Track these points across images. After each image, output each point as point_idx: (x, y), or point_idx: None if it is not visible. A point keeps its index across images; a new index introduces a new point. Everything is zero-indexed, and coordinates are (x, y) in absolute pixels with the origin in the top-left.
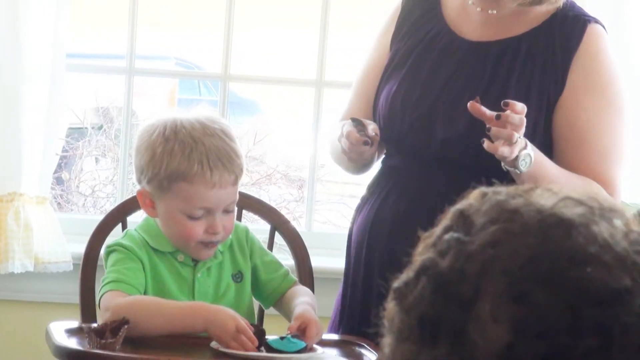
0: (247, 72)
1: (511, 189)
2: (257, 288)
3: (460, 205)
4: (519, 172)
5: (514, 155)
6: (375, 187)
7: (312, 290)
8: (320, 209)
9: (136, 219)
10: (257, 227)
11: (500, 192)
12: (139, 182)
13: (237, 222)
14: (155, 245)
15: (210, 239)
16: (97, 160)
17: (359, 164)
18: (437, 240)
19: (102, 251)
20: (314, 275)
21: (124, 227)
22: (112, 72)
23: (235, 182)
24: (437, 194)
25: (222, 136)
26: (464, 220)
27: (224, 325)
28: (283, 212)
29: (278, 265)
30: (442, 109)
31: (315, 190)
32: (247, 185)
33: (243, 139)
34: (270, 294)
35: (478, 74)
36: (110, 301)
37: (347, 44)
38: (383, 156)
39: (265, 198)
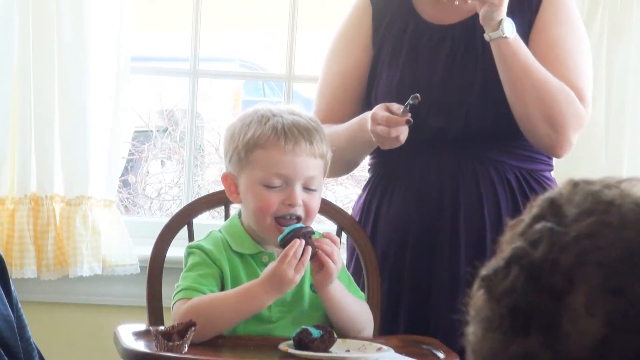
0: (311, 72)
1: (603, 179)
2: None
3: (550, 194)
4: (503, 36)
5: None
6: (392, 171)
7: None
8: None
9: (202, 221)
10: (324, 227)
11: (593, 182)
12: (226, 166)
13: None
14: (237, 247)
15: (288, 211)
16: (162, 163)
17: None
18: (526, 228)
19: (184, 251)
20: None
21: (190, 229)
22: (176, 74)
23: (313, 155)
24: (465, 171)
25: (305, 117)
26: (555, 210)
27: (282, 279)
28: (349, 212)
29: (352, 283)
30: (452, 90)
31: None
32: None
33: None
34: None
35: (471, 49)
36: (177, 311)
37: None
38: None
39: (332, 198)
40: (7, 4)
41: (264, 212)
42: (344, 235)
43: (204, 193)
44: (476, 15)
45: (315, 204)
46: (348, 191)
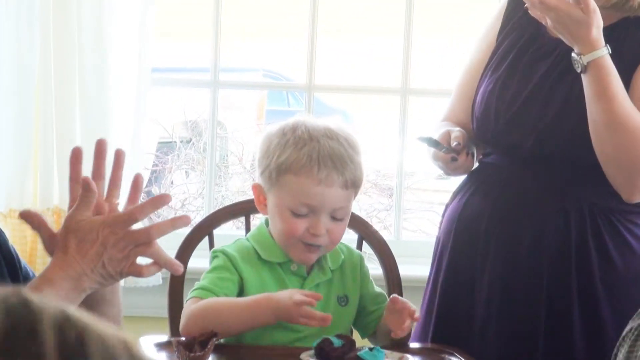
0: (333, 81)
1: None
2: (361, 317)
3: None
4: (583, 64)
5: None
6: (462, 186)
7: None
8: (411, 217)
9: (223, 231)
10: (345, 237)
11: None
12: (258, 175)
13: (353, 248)
14: (266, 255)
15: (311, 240)
16: (187, 173)
17: (460, 174)
18: None
19: (210, 255)
20: (403, 284)
21: (211, 240)
22: (197, 85)
23: (345, 186)
24: (527, 190)
25: (342, 141)
26: None
27: (288, 312)
28: (374, 221)
29: (384, 298)
30: (534, 105)
31: (405, 199)
32: None
33: None
34: (371, 322)
35: (571, 66)
36: (187, 307)
37: (431, 50)
38: (481, 156)
39: (355, 208)
40: (28, 14)
41: (288, 236)
42: (365, 245)
43: (227, 203)
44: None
45: (340, 233)
46: (372, 200)
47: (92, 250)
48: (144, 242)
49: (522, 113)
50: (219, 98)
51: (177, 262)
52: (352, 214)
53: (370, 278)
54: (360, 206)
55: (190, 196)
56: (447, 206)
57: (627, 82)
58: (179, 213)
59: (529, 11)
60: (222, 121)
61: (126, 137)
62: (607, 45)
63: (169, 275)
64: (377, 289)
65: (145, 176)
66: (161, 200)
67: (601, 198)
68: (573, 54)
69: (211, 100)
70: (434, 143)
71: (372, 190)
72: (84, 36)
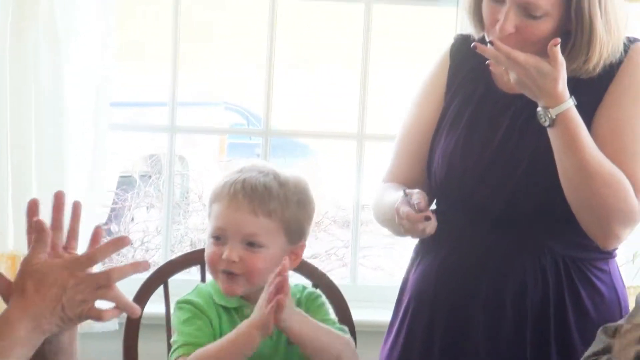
0: (292, 119)
1: None
2: None
3: None
4: (549, 119)
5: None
6: (433, 243)
7: (355, 343)
8: (370, 255)
9: (180, 276)
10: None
11: None
12: None
13: (313, 289)
14: (220, 300)
15: (226, 267)
16: (147, 209)
17: (417, 237)
18: None
19: (172, 308)
20: (360, 329)
21: (166, 289)
22: (154, 130)
23: (254, 213)
24: (502, 254)
25: (271, 177)
26: None
27: (261, 316)
28: (332, 259)
29: (335, 323)
30: (501, 164)
31: (364, 238)
32: None
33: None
34: None
35: (531, 121)
36: None
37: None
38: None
39: (315, 246)
40: None
41: (210, 265)
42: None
43: (187, 240)
44: None
45: (256, 263)
46: (331, 237)
47: (51, 293)
48: (104, 285)
49: (490, 174)
50: (176, 141)
51: (136, 305)
52: (303, 260)
53: (329, 312)
54: (320, 244)
55: (150, 234)
56: (413, 266)
57: (604, 91)
58: (139, 250)
59: (490, 67)
60: (184, 156)
61: (82, 179)
62: (572, 97)
63: (124, 321)
64: (333, 319)
65: (105, 214)
66: (121, 242)
67: (573, 249)
68: (539, 109)
69: (168, 146)
70: (410, 197)
71: (331, 227)
72: (41, 79)
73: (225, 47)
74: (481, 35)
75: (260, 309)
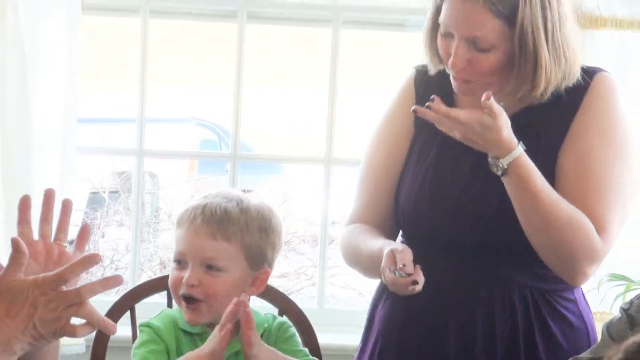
0: (260, 143)
1: None
2: None
3: (637, 338)
4: (501, 168)
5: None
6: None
7: None
8: (339, 274)
9: (149, 299)
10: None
11: None
12: None
13: (280, 317)
14: (184, 326)
15: (186, 290)
16: (118, 226)
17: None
18: None
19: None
20: (324, 353)
21: (132, 313)
22: (123, 153)
23: (213, 237)
24: (471, 286)
25: (235, 203)
26: None
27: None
28: (301, 278)
29: (305, 355)
30: (471, 202)
31: (331, 257)
32: None
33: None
34: None
35: None
36: None
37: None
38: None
39: (285, 265)
40: None
41: (172, 288)
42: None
43: (157, 259)
44: (513, 118)
45: (218, 287)
46: (300, 257)
47: (23, 312)
48: (76, 302)
49: (461, 212)
50: (146, 158)
51: (111, 321)
52: (268, 286)
53: (299, 343)
54: (289, 263)
55: (119, 252)
56: (381, 299)
57: (552, 161)
58: (108, 269)
59: (437, 126)
60: (154, 172)
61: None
62: (520, 142)
63: (92, 343)
64: (299, 347)
65: (74, 233)
66: (91, 259)
67: (539, 281)
68: (489, 159)
69: (136, 168)
70: (398, 272)
71: (302, 246)
72: (8, 93)
73: (194, 66)
74: (441, 67)
75: (212, 339)
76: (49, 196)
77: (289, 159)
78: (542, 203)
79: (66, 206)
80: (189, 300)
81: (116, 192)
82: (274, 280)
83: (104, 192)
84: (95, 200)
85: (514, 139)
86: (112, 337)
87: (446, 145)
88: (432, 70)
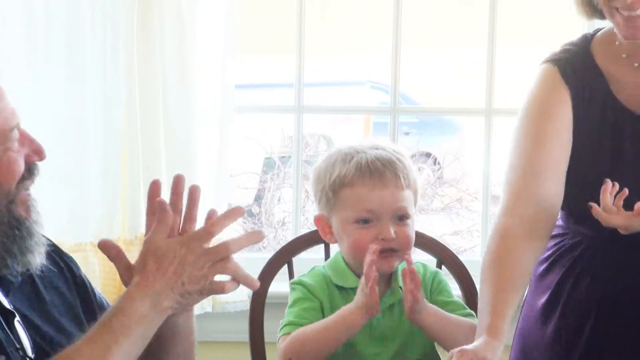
0: (419, 102)
1: None
2: None
3: None
4: None
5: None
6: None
7: None
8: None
9: (304, 255)
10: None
11: None
12: (317, 208)
13: (430, 266)
14: (339, 281)
15: (382, 245)
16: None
17: None
18: None
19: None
20: None
21: (290, 267)
22: (281, 111)
23: (400, 186)
24: None
25: (387, 149)
26: None
27: (363, 298)
28: (474, 235)
29: (458, 306)
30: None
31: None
32: (437, 210)
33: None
34: None
35: None
36: (281, 345)
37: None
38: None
39: (457, 222)
40: (112, 51)
41: (360, 249)
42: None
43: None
44: None
45: (410, 234)
46: (473, 214)
47: (171, 270)
48: (222, 257)
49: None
50: (303, 122)
51: (254, 277)
52: (426, 236)
53: (447, 290)
54: (461, 221)
55: (289, 214)
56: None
57: None
58: (279, 231)
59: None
60: (330, 135)
61: (210, 163)
62: None
63: (249, 300)
64: (453, 298)
65: (247, 195)
66: (235, 212)
67: None
68: None
69: (295, 126)
70: None
71: (474, 204)
72: (168, 69)
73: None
74: (595, 18)
75: (361, 292)
76: (177, 184)
77: (449, 111)
78: None
79: (192, 194)
80: (386, 253)
81: (285, 156)
82: (447, 238)
83: (274, 157)
84: (265, 165)
85: None
86: (271, 292)
87: (620, 130)
88: (586, 21)
